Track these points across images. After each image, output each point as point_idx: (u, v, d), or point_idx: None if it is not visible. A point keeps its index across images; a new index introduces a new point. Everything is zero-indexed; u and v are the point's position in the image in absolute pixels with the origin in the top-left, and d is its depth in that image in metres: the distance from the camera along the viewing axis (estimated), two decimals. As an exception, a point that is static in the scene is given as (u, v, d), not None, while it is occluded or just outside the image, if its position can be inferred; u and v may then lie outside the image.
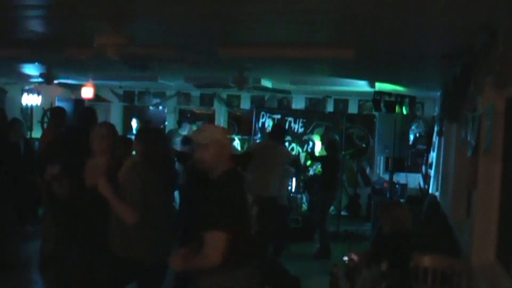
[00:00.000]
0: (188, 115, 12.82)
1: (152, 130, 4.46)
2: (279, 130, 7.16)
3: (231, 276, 3.00)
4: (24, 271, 6.27)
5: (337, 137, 9.67)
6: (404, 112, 7.53)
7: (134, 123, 11.69)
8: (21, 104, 10.78)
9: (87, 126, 5.33)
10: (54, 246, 6.62)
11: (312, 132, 10.79)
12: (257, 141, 10.60)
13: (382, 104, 7.41)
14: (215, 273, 2.96)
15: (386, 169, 10.48)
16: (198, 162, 3.08)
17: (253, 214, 3.12)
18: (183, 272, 3.28)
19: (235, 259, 2.98)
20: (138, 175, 3.75)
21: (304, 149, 10.84)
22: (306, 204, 9.56)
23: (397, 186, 9.12)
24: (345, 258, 3.98)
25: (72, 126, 6.00)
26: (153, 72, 8.15)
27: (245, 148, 10.39)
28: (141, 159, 3.84)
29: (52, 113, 7.08)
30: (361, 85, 8.72)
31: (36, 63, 7.70)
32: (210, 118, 12.21)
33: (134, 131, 11.24)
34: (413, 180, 9.93)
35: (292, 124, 11.07)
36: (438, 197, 7.62)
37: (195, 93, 11.88)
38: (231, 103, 11.83)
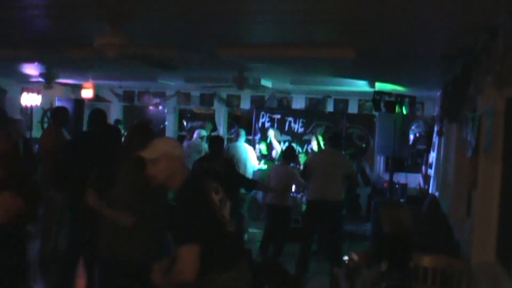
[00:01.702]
0: (188, 115, 12.84)
1: (145, 128, 4.22)
2: (337, 137, 7.47)
3: (219, 280, 2.95)
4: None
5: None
6: (404, 112, 7.53)
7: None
8: (21, 104, 10.77)
9: (97, 129, 5.37)
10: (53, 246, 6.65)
11: (312, 132, 10.80)
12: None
13: (382, 104, 7.41)
14: (202, 279, 2.90)
15: (386, 169, 10.48)
16: (151, 179, 3.02)
17: (228, 209, 3.04)
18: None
19: (217, 263, 2.94)
20: (127, 175, 3.78)
21: (304, 149, 10.84)
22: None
23: (397, 186, 9.12)
24: (345, 258, 3.98)
25: (82, 131, 6.04)
26: (170, 70, 8.07)
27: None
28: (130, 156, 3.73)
29: (53, 113, 7.06)
30: (361, 85, 8.72)
31: (36, 63, 7.69)
32: (210, 118, 12.22)
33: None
34: (413, 180, 9.93)
35: (292, 124, 11.08)
36: (438, 197, 7.62)
37: (195, 93, 11.89)
38: (231, 103, 11.83)
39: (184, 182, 2.98)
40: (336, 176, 6.90)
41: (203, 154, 8.89)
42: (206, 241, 2.85)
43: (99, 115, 5.74)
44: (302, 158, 10.14)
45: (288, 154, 7.71)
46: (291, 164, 7.92)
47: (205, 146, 9.25)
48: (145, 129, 4.15)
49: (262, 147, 10.77)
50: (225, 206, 3.04)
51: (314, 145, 10.07)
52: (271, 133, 10.75)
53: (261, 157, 10.29)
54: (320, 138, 9.96)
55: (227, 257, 3.00)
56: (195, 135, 10.03)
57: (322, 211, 6.82)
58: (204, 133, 10.08)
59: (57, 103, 11.67)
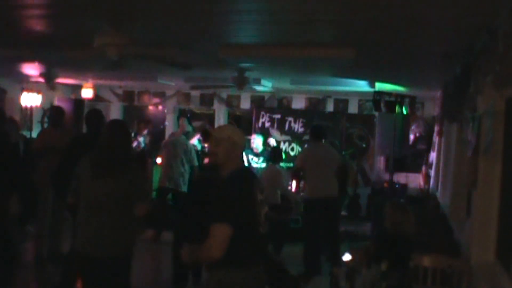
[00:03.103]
0: (188, 115, 12.83)
1: (113, 124, 4.17)
2: (319, 130, 7.25)
3: (236, 275, 3.03)
4: (23, 271, 6.27)
5: (337, 143, 9.74)
6: (404, 112, 7.53)
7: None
8: (21, 104, 10.77)
9: (95, 130, 5.34)
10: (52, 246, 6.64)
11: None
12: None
13: (382, 104, 7.41)
14: (221, 269, 3.02)
15: (386, 169, 10.48)
16: (211, 155, 3.26)
17: (263, 214, 3.15)
18: (191, 266, 3.37)
19: (240, 257, 3.03)
20: (83, 164, 3.83)
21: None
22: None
23: (397, 186, 9.11)
24: (345, 258, 3.98)
25: (81, 133, 5.94)
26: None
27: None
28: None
29: (50, 113, 6.99)
30: (361, 85, 8.72)
31: (36, 63, 7.69)
32: (210, 118, 12.21)
33: None
34: (413, 180, 9.92)
35: (292, 124, 11.07)
36: (438, 197, 7.62)
37: (195, 93, 11.89)
38: (231, 103, 11.83)
39: (236, 169, 3.15)
40: (330, 170, 6.81)
41: (188, 151, 8.36)
42: (237, 229, 2.95)
43: (94, 115, 5.68)
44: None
45: (275, 155, 7.89)
46: (280, 164, 8.10)
47: (188, 142, 8.69)
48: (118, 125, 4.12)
49: (259, 141, 10.46)
50: (263, 208, 3.16)
51: None
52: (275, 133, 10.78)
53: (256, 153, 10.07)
54: None
55: (249, 255, 3.08)
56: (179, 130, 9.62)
57: (321, 209, 6.78)
58: (189, 128, 9.90)
59: (57, 103, 11.67)
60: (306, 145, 10.30)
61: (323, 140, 7.06)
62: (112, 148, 3.79)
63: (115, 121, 4.45)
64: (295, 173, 7.36)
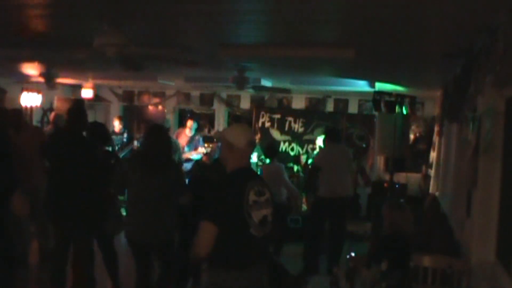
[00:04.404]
0: (188, 115, 12.83)
1: (152, 127, 4.87)
2: (335, 132, 7.50)
3: (234, 275, 3.02)
4: (23, 270, 6.26)
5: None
6: (404, 112, 7.52)
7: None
8: (21, 104, 10.77)
9: (76, 125, 5.25)
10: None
11: (312, 132, 10.79)
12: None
13: (382, 104, 7.41)
14: (218, 270, 3.02)
15: (386, 169, 10.48)
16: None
17: (259, 216, 3.07)
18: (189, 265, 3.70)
19: (233, 257, 3.01)
20: (130, 163, 4.60)
21: (304, 149, 10.84)
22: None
23: (397, 186, 9.11)
24: (348, 256, 3.99)
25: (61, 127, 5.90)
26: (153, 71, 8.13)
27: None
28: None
29: (8, 116, 6.71)
30: (361, 85, 8.72)
31: (36, 63, 7.69)
32: (210, 118, 12.21)
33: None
34: (413, 180, 9.92)
35: (292, 124, 11.07)
36: (438, 197, 7.62)
37: (195, 93, 11.89)
38: (231, 103, 11.83)
39: (234, 169, 3.16)
40: (345, 171, 6.95)
41: (179, 150, 8.50)
42: (224, 229, 2.95)
43: (80, 112, 5.36)
44: (304, 158, 10.12)
45: (269, 151, 7.92)
46: (276, 161, 8.03)
47: (176, 141, 8.77)
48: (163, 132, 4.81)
49: None
50: (260, 210, 3.07)
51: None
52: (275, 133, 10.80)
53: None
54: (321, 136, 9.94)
55: (239, 256, 3.05)
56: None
57: (331, 208, 6.83)
58: (169, 124, 10.01)
59: (57, 103, 11.69)
60: (321, 146, 10.32)
61: (338, 142, 7.23)
62: (158, 151, 4.48)
63: (157, 127, 4.94)
64: (312, 169, 7.37)
